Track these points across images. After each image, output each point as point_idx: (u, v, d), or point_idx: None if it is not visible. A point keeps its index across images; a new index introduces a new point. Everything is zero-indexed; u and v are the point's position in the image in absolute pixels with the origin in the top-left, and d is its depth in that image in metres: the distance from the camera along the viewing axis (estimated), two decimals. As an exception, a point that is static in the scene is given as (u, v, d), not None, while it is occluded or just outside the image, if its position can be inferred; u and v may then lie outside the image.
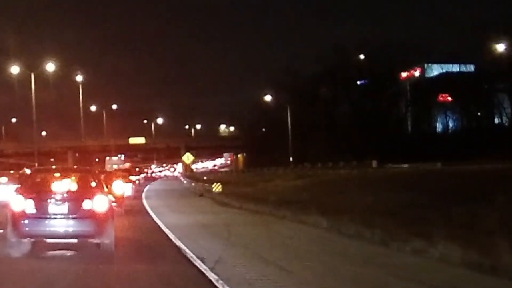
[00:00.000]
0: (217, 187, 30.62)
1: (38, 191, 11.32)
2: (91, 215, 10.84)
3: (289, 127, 60.42)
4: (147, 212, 22.10)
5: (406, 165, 31.88)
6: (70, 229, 10.84)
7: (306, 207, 16.60)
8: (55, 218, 10.80)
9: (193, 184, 42.24)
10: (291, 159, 59.00)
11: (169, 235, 14.03)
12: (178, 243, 12.52)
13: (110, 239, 11.08)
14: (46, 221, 10.82)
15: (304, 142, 60.01)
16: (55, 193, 11.02)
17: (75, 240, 11.10)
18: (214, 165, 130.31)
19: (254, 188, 31.25)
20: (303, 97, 66.41)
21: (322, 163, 39.45)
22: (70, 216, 10.81)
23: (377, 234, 11.30)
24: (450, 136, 57.45)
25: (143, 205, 26.17)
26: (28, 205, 10.78)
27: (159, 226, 16.41)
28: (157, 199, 30.74)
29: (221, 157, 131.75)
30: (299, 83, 68.62)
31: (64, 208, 10.82)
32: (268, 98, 69.12)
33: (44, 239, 11.13)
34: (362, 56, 65.38)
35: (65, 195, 11.00)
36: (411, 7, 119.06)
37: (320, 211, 14.74)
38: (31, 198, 10.86)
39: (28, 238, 11.01)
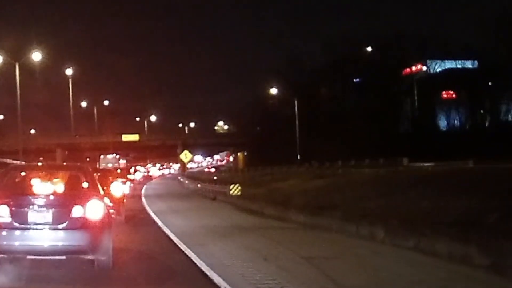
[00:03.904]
0: (235, 190, 28.03)
1: (15, 194, 9.73)
2: (83, 225, 9.29)
3: (297, 122, 58.82)
4: (153, 221, 19.28)
5: (432, 163, 30.08)
6: (57, 243, 9.26)
7: (386, 220, 12.56)
8: (36, 229, 9.20)
9: (199, 185, 39.96)
10: (298, 157, 57.44)
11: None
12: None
13: (107, 255, 9.64)
14: (26, 233, 9.20)
15: (311, 139, 58.41)
16: (37, 197, 9.43)
17: (63, 257, 9.49)
18: (211, 164, 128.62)
19: (266, 188, 29.25)
20: (308, 91, 65.21)
21: (343, 161, 37.58)
22: (57, 226, 9.23)
23: None
24: (467, 133, 56.49)
25: (145, 209, 24.07)
26: (2, 212, 9.18)
27: (185, 255, 11.65)
28: (161, 202, 29.05)
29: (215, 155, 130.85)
30: (303, 77, 67.58)
31: (48, 216, 9.23)
32: (274, 91, 67.78)
33: (24, 256, 9.39)
34: (369, 49, 64.52)
35: (50, 199, 9.43)
36: (412, 2, 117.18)
37: (418, 229, 10.90)
38: (5, 203, 9.25)
39: (3, 255, 9.32)
